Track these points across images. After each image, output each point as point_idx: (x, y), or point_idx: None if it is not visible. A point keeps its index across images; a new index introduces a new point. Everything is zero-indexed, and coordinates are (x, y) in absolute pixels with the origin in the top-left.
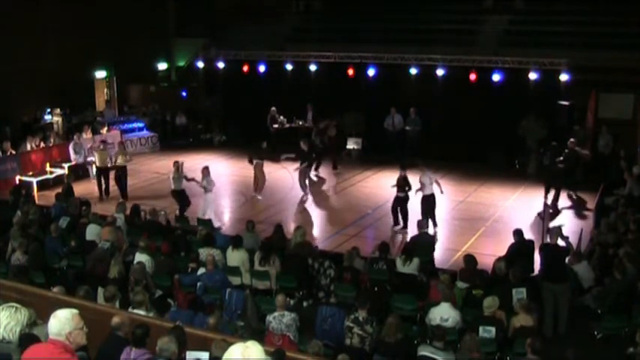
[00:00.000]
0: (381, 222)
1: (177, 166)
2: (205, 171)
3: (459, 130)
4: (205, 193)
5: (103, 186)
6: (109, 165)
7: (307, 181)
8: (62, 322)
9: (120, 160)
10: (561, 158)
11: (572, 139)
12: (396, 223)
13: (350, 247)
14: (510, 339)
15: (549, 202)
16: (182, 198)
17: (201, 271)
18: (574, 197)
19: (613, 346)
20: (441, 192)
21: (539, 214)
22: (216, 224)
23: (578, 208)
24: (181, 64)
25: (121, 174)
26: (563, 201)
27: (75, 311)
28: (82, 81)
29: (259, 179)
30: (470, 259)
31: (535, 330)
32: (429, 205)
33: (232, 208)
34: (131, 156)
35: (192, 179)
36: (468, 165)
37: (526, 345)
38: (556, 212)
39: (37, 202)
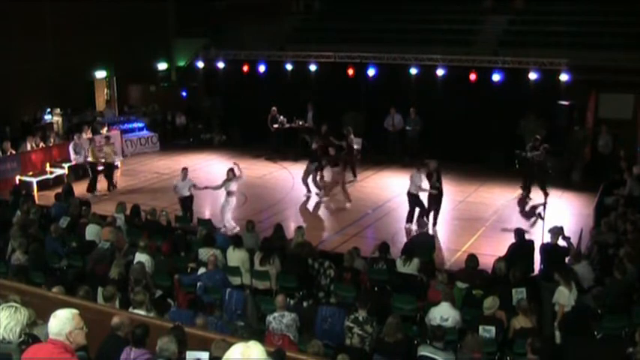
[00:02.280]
0: (381, 222)
1: (185, 173)
2: (230, 173)
3: (459, 130)
4: (228, 196)
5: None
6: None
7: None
8: (62, 321)
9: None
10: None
11: (545, 145)
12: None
13: (350, 247)
14: (510, 340)
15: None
16: (188, 205)
17: (202, 271)
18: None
19: (613, 346)
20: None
21: (539, 214)
22: (229, 228)
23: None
24: (181, 64)
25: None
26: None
27: (75, 311)
28: (82, 81)
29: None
30: (471, 259)
31: (535, 330)
32: (413, 203)
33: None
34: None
35: (205, 187)
36: (468, 165)
37: (526, 345)
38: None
39: (37, 202)
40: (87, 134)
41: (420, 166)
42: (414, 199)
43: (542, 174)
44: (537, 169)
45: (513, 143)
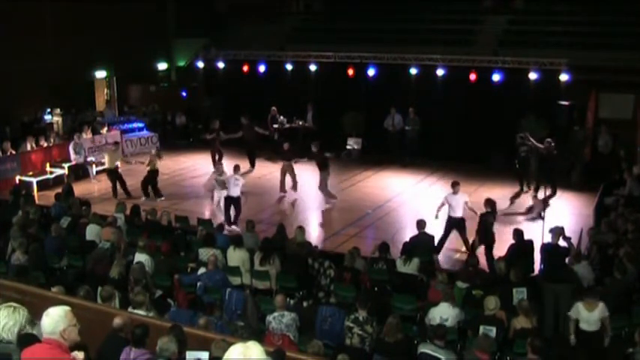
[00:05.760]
0: (381, 222)
1: (238, 171)
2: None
3: (459, 130)
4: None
5: (118, 185)
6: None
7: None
8: (56, 319)
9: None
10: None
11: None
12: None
13: (350, 247)
14: (510, 340)
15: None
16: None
17: (202, 271)
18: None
19: (613, 346)
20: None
21: (539, 214)
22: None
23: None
24: (181, 64)
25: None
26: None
27: (67, 308)
28: (82, 81)
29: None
30: (472, 259)
31: (536, 331)
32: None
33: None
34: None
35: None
36: (468, 165)
37: (527, 344)
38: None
39: (37, 202)
40: (87, 134)
41: (453, 186)
42: (457, 222)
43: (549, 172)
44: (546, 165)
45: (513, 143)
